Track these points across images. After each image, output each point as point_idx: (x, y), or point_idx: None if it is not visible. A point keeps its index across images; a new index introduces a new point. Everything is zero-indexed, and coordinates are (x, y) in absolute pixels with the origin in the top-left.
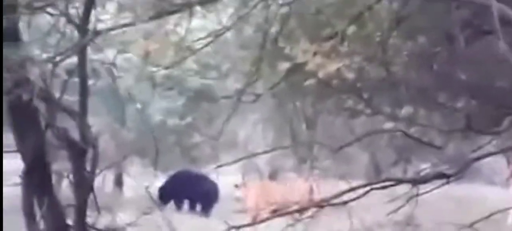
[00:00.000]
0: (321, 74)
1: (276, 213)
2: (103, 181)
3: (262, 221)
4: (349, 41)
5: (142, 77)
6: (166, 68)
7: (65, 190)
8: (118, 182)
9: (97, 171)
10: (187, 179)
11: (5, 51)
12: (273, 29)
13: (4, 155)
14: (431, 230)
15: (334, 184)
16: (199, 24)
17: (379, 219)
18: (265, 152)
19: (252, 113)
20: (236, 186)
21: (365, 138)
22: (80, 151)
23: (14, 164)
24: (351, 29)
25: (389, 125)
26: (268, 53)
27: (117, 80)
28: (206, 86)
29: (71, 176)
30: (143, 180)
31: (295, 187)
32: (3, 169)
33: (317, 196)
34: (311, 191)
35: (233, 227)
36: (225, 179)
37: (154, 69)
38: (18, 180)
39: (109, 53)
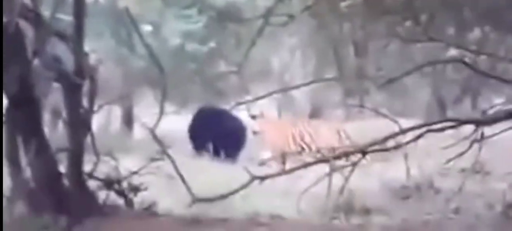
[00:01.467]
0: None
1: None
2: (108, 119)
3: (290, 170)
4: None
5: None
6: None
7: (62, 131)
8: (127, 120)
9: (96, 107)
10: (210, 118)
11: None
12: None
13: None
14: (503, 179)
15: (387, 123)
16: None
17: (442, 166)
18: (304, 84)
19: (289, 37)
20: (253, 117)
21: (425, 68)
22: (74, 83)
23: None
24: None
25: (453, 53)
26: None
27: None
28: (231, 3)
29: (64, 114)
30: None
31: (321, 128)
32: None
33: (345, 142)
34: (339, 135)
35: (257, 177)
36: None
37: None
38: None
39: None
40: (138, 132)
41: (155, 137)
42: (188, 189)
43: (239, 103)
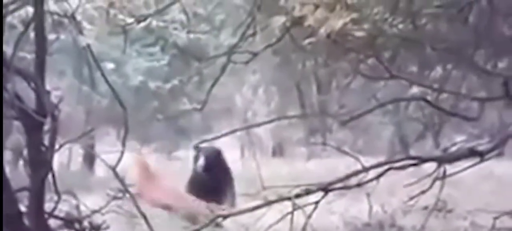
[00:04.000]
0: (323, 31)
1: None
2: (69, 158)
3: (253, 208)
4: None
5: (115, 31)
6: (143, 19)
7: (22, 170)
8: (89, 159)
9: (58, 145)
10: None
11: None
12: None
13: None
14: (465, 217)
15: (349, 161)
16: None
17: (404, 204)
18: (265, 122)
19: (252, 75)
20: None
21: (387, 106)
22: (35, 122)
23: None
24: None
25: (415, 90)
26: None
27: (84, 34)
28: (195, 41)
29: (25, 153)
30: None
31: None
32: None
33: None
34: None
35: (219, 215)
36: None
37: (129, 20)
38: None
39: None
40: (100, 170)
41: (116, 175)
42: (150, 227)
43: (202, 141)
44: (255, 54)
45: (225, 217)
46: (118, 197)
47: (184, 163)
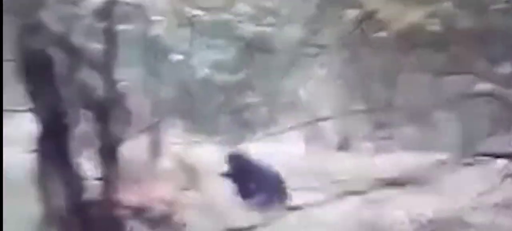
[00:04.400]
0: (396, 26)
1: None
2: (136, 148)
3: (321, 202)
4: None
5: (183, 23)
6: (211, 11)
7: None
8: (155, 150)
9: (126, 135)
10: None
11: None
12: None
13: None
14: None
15: (418, 157)
16: None
17: (473, 200)
18: (333, 116)
19: (319, 68)
20: None
21: (455, 101)
22: (104, 111)
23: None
24: None
25: (483, 86)
26: None
27: (153, 26)
28: (261, 34)
29: (94, 142)
30: (185, 147)
31: None
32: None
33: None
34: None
35: (290, 208)
36: (284, 148)
37: (197, 13)
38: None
39: None
40: (166, 161)
41: (184, 166)
42: (221, 218)
43: (268, 135)
44: (323, 48)
45: (294, 209)
46: (186, 188)
47: None
